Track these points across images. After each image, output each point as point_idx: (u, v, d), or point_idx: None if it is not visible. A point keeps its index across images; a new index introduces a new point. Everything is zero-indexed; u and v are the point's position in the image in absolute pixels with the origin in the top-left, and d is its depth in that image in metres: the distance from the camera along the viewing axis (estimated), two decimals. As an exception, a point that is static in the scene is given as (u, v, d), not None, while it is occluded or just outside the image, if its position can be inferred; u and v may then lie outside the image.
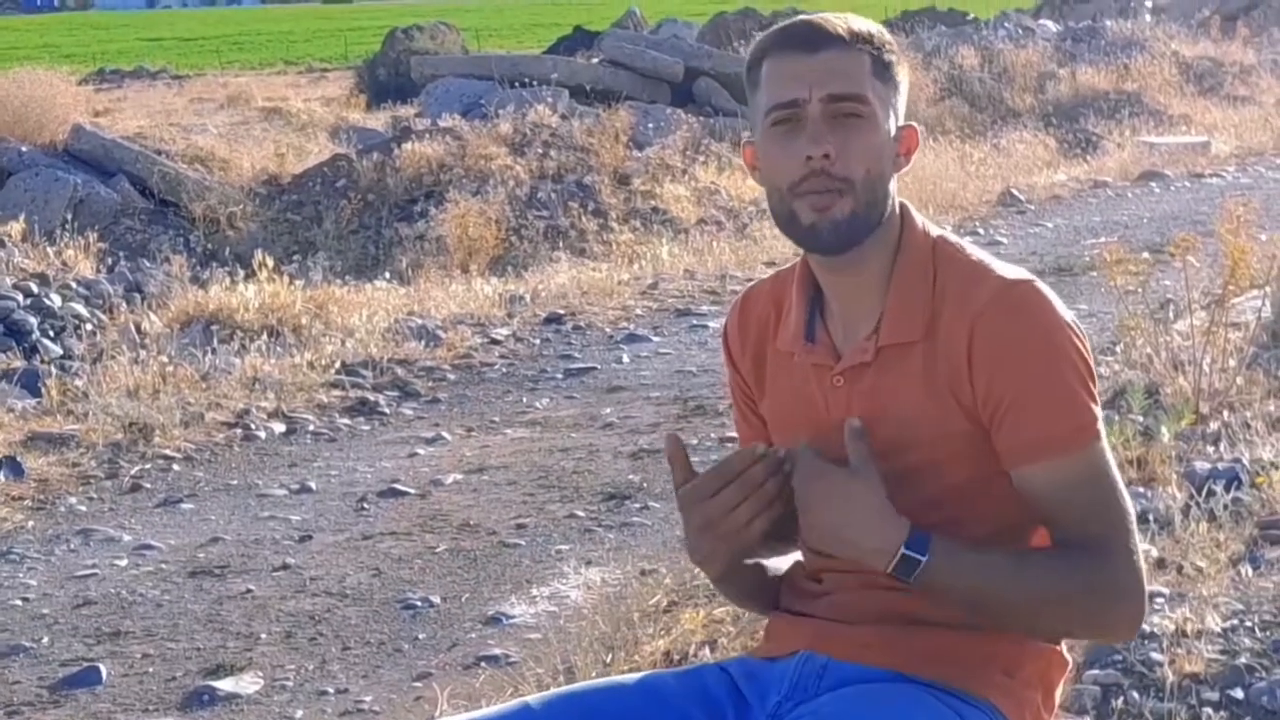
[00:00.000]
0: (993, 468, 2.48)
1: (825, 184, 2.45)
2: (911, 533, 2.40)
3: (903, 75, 2.54)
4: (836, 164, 2.44)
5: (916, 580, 2.40)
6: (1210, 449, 6.20)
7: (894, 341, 2.50)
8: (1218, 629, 4.44)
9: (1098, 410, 2.47)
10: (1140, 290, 7.58)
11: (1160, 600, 4.62)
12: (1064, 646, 2.58)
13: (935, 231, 2.58)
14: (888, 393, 2.50)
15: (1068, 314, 2.49)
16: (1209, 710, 4.05)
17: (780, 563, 2.70)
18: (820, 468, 2.43)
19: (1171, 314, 8.38)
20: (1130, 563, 2.45)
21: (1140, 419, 6.50)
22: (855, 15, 2.54)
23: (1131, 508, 2.49)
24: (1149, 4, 33.72)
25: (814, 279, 2.60)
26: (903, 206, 2.57)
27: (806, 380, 2.59)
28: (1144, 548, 4.95)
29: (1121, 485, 2.49)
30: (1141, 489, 5.68)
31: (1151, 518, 5.31)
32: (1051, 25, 30.04)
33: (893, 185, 2.53)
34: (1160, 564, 4.96)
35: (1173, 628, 4.43)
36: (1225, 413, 6.63)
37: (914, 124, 2.56)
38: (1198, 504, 5.36)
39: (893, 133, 2.51)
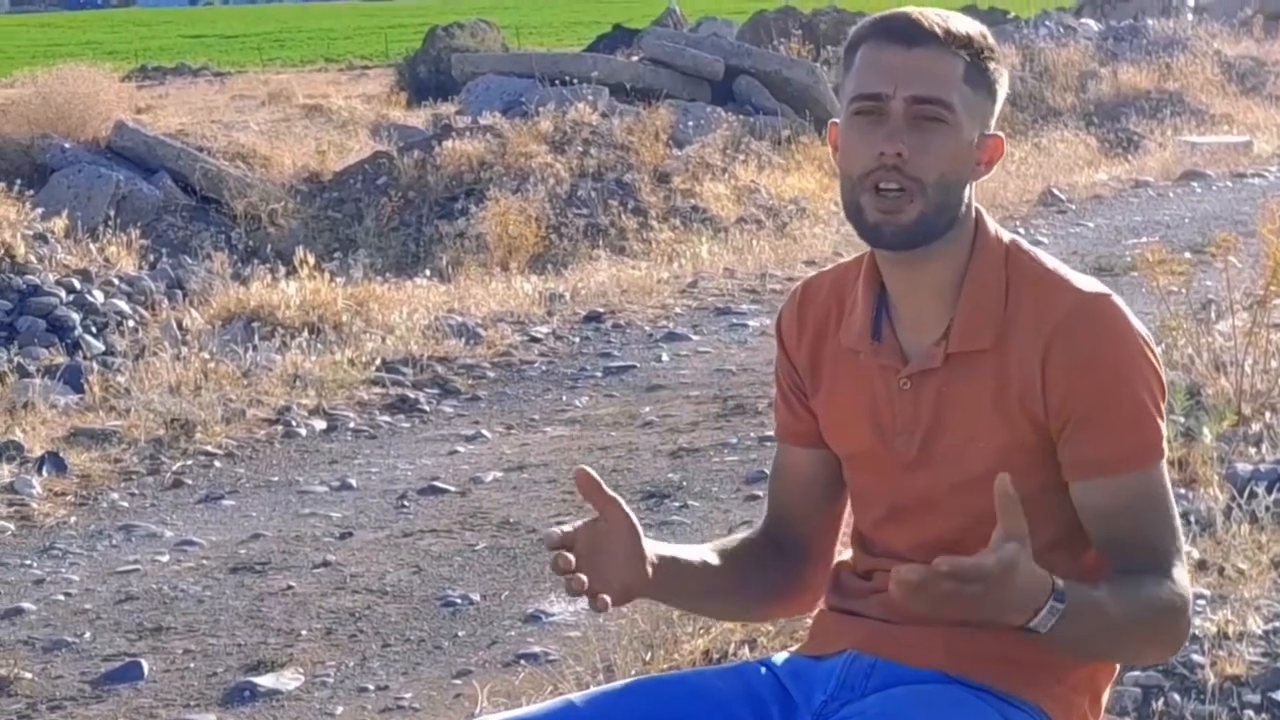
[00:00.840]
0: (1053, 480, 2.47)
1: (895, 179, 2.43)
2: (1053, 584, 2.27)
3: (1000, 82, 2.51)
4: (910, 164, 2.43)
5: (1052, 631, 2.28)
6: (1252, 450, 6.18)
7: (964, 349, 2.49)
8: (1259, 631, 4.43)
9: (1164, 428, 2.47)
10: (1182, 290, 7.55)
11: (1201, 602, 4.60)
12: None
13: (1008, 237, 2.55)
14: (954, 400, 2.49)
15: (1143, 329, 2.48)
16: (1250, 713, 4.04)
17: (699, 553, 2.63)
18: (1009, 566, 2.20)
19: (1213, 314, 8.34)
20: (1183, 586, 2.45)
21: (1182, 420, 6.47)
22: (959, 15, 2.51)
23: (1180, 528, 2.49)
24: (1191, 3, 33.59)
25: (880, 276, 2.58)
26: (977, 212, 2.55)
27: (870, 380, 2.57)
28: (1185, 549, 4.96)
29: (1174, 505, 2.49)
30: (1183, 490, 5.66)
31: (1193, 519, 5.29)
32: (1093, 24, 29.97)
33: (968, 192, 2.50)
34: (1202, 566, 4.95)
35: (1214, 630, 4.42)
36: (1267, 414, 6.60)
37: (1000, 134, 2.53)
38: (1239, 506, 5.34)
39: (975, 140, 2.48)
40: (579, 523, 2.42)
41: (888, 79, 2.44)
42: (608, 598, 2.38)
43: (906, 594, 2.21)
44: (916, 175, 2.43)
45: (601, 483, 2.41)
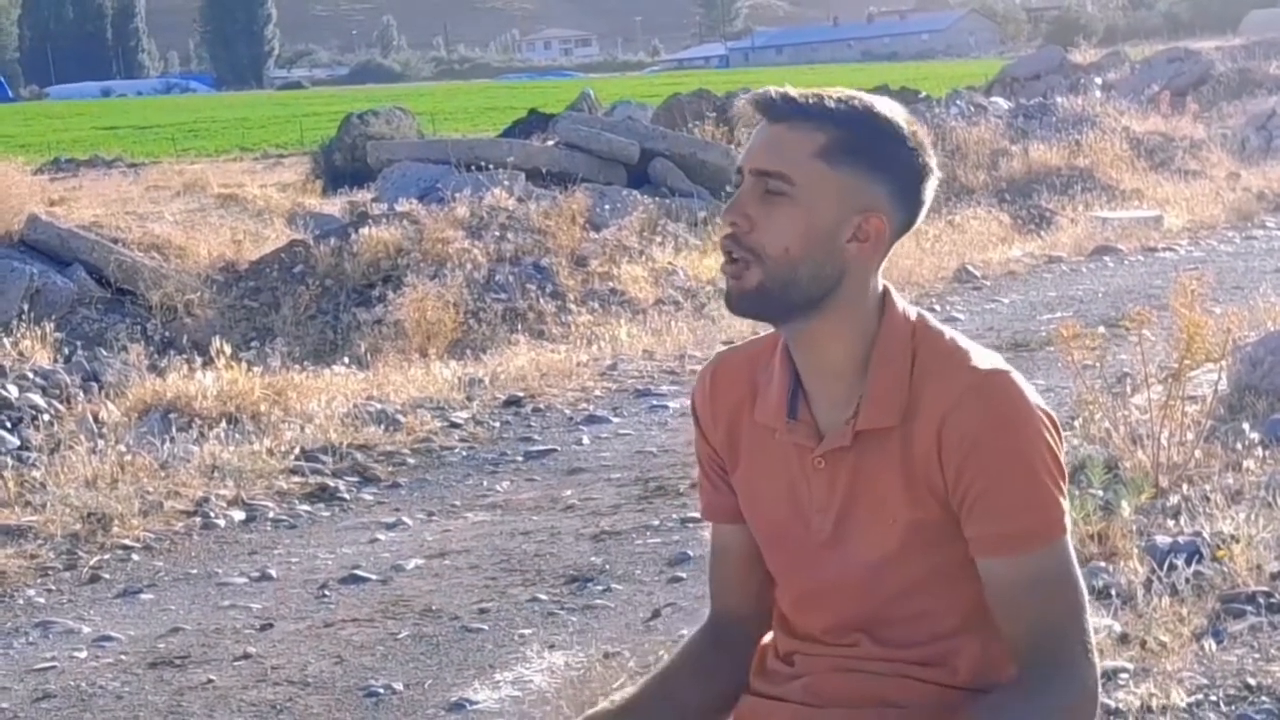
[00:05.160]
0: (962, 556, 2.47)
1: (733, 248, 2.47)
2: None
3: (891, 160, 2.48)
4: (750, 235, 2.46)
5: None
6: (1170, 523, 6.22)
7: (872, 426, 2.49)
8: (1183, 704, 4.44)
9: (1065, 504, 2.47)
10: (1097, 365, 7.61)
11: (1124, 676, 4.62)
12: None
13: (915, 314, 2.56)
14: (866, 477, 2.50)
15: (1041, 405, 2.48)
16: (1175, 785, 4.05)
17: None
18: None
19: (1129, 388, 8.40)
20: (1086, 662, 2.45)
21: (1100, 494, 6.51)
22: (856, 92, 2.51)
23: (1086, 601, 2.49)
24: (1099, 80, 34.00)
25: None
26: (885, 291, 2.54)
27: (788, 458, 2.57)
28: (1107, 623, 4.97)
29: (1079, 579, 2.49)
30: (1103, 564, 5.69)
31: (1114, 593, 5.31)
32: (1003, 102, 30.24)
33: (846, 270, 2.48)
34: (1123, 639, 4.96)
35: (1138, 704, 4.43)
36: (1184, 486, 6.65)
37: (880, 214, 2.48)
38: (1159, 578, 5.36)
39: (841, 218, 2.46)
40: None
41: (747, 153, 2.50)
42: None
43: None
44: (753, 246, 2.46)
45: None
